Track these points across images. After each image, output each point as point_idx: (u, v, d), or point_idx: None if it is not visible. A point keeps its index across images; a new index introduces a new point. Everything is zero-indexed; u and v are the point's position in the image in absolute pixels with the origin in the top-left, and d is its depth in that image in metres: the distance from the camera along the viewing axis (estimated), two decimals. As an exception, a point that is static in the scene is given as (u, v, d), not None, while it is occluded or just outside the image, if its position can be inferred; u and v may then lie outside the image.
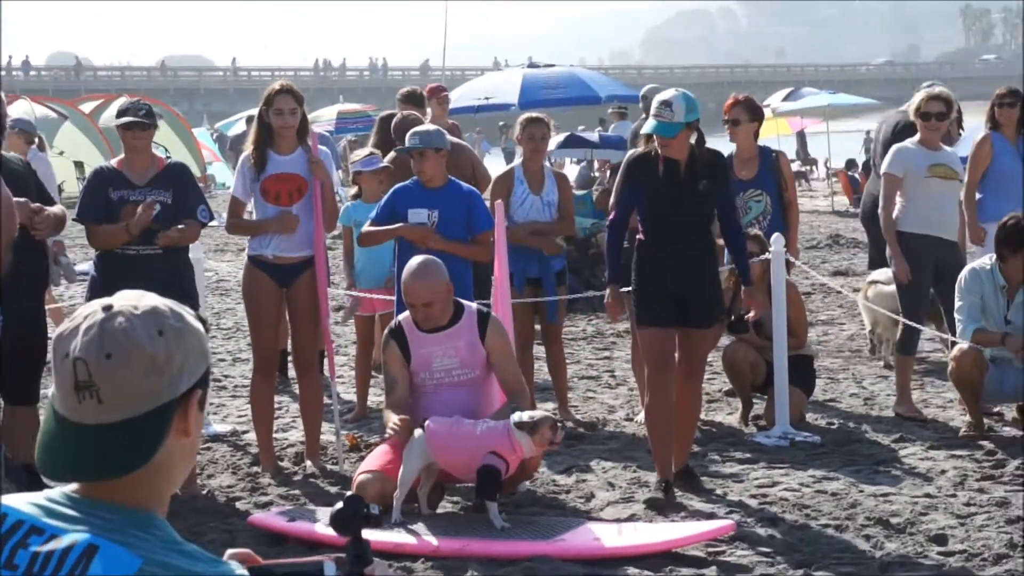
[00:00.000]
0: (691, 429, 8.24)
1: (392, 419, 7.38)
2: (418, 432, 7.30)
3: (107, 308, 2.23)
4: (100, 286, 7.90)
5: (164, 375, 2.20)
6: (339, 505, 2.93)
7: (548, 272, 9.82)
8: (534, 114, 10.13)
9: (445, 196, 8.67)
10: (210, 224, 8.35)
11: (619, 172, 9.91)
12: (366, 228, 8.94)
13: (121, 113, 8.02)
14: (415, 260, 7.75)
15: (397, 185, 8.96)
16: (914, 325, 9.86)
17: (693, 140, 7.87)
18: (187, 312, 2.29)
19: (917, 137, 10.09)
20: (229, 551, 2.53)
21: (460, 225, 8.60)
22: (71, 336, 2.21)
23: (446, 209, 8.61)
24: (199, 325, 2.29)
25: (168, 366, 2.20)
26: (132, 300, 2.26)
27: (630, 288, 8.04)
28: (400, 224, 8.65)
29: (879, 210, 10.21)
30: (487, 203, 9.22)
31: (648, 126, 7.85)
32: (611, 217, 8.20)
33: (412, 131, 8.94)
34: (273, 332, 8.62)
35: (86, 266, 20.00)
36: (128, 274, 7.82)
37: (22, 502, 2.22)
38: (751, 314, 8.34)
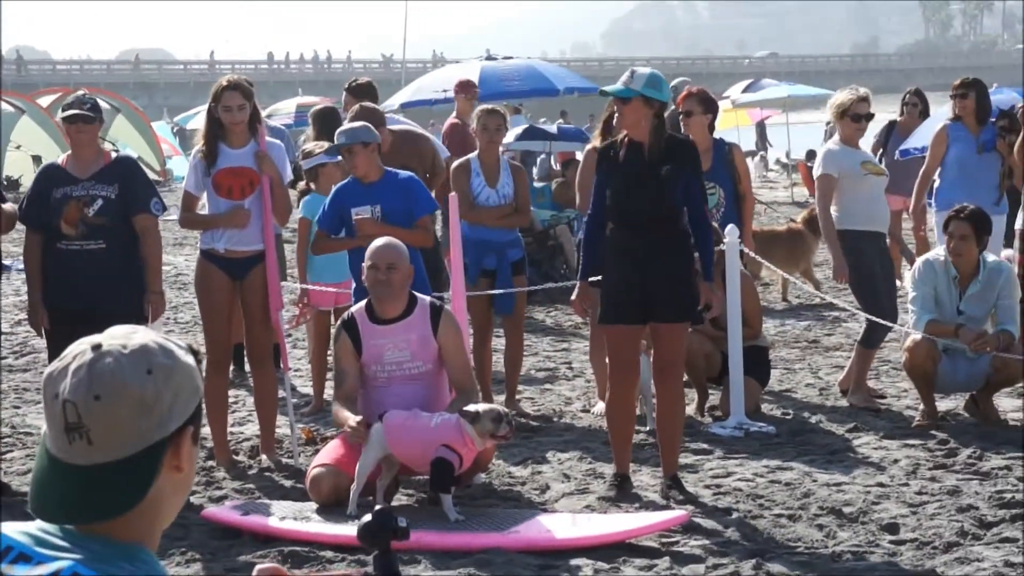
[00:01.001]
0: (676, 435, 7.83)
1: (349, 420, 7.37)
2: (376, 425, 7.30)
3: (96, 347, 2.21)
4: (47, 281, 7.87)
5: (153, 415, 2.19)
6: (367, 518, 2.90)
7: (504, 264, 9.82)
8: (489, 105, 10.13)
9: (384, 189, 8.67)
10: (167, 218, 8.32)
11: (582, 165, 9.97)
12: (317, 234, 8.95)
13: (66, 107, 7.98)
14: (381, 238, 7.84)
15: (337, 185, 8.97)
16: (879, 321, 9.88)
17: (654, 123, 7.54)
18: (178, 347, 2.26)
19: (837, 137, 10.11)
20: (258, 567, 2.52)
21: (403, 215, 8.59)
22: (60, 376, 2.20)
23: (387, 201, 8.62)
24: (190, 359, 2.27)
25: (157, 405, 2.19)
26: (121, 338, 2.23)
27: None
28: (352, 239, 8.62)
29: (817, 211, 10.16)
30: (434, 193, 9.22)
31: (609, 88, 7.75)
32: (588, 211, 8.03)
33: (339, 129, 8.97)
34: (226, 326, 8.60)
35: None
36: (75, 270, 7.79)
37: (15, 530, 2.21)
38: (710, 311, 8.13)
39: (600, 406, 9.88)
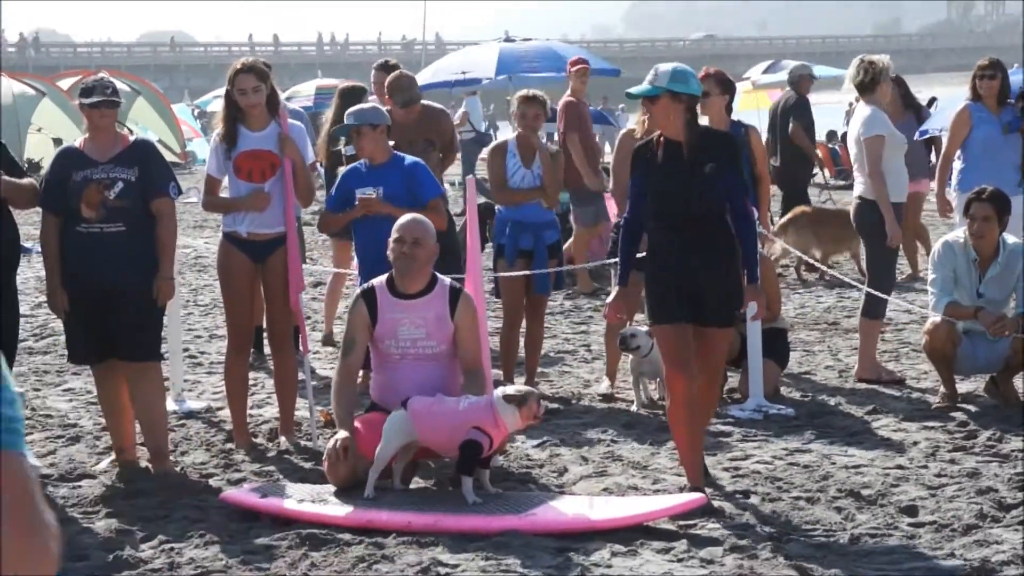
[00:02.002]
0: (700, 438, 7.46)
1: (339, 434, 7.36)
2: (400, 412, 7.30)
3: None
4: (66, 264, 7.88)
5: None
6: None
7: (541, 244, 9.87)
8: (530, 92, 10.09)
9: (387, 172, 8.71)
10: (186, 200, 8.32)
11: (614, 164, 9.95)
12: (323, 213, 9.04)
13: (87, 92, 7.96)
14: (408, 214, 7.88)
15: (347, 167, 9.00)
16: (879, 295, 9.91)
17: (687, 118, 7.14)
18: None
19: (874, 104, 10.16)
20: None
21: (402, 200, 8.57)
22: None
23: (389, 185, 8.66)
24: None
25: None
26: None
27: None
28: (348, 210, 8.70)
29: (869, 174, 10.10)
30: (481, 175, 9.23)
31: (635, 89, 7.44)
32: (625, 215, 7.66)
33: (349, 110, 8.99)
34: (248, 308, 8.62)
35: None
36: (92, 252, 7.80)
37: None
38: (754, 312, 7.93)
39: (604, 384, 9.88)
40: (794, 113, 16.53)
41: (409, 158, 8.97)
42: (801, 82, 16.86)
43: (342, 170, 9.87)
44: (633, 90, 7.30)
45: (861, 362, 10.14)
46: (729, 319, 7.32)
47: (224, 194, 8.64)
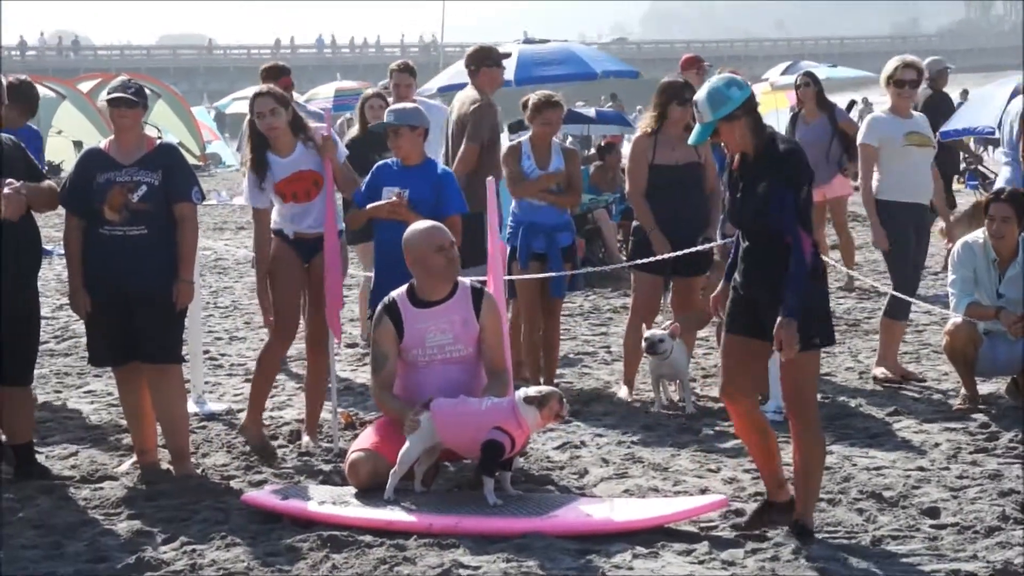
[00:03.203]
0: (814, 482, 6.74)
1: (409, 415, 7.39)
2: (424, 414, 7.31)
3: None
4: (87, 266, 7.90)
5: None
6: None
7: (554, 247, 9.86)
8: (553, 97, 10.05)
9: (417, 175, 8.66)
10: (206, 203, 8.32)
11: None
12: (352, 208, 9.01)
13: (110, 91, 7.99)
14: (421, 221, 7.85)
15: (379, 163, 8.99)
16: (903, 297, 9.89)
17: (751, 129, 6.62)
18: None
19: (888, 105, 10.22)
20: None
21: (427, 206, 8.50)
22: None
23: (415, 189, 8.57)
24: None
25: None
26: None
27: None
28: (372, 205, 8.64)
29: (859, 180, 10.27)
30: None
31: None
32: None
33: (389, 108, 8.98)
34: (296, 303, 8.57)
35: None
36: (115, 254, 7.81)
37: None
38: (784, 352, 6.61)
39: (623, 391, 9.85)
40: (942, 111, 15.92)
41: (441, 166, 8.99)
42: (940, 77, 16.36)
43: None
44: (692, 141, 6.87)
45: (879, 361, 10.14)
46: (818, 344, 6.62)
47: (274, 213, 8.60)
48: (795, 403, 6.74)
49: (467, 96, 10.73)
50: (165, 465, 8.13)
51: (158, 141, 8.11)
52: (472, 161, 10.32)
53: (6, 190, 7.55)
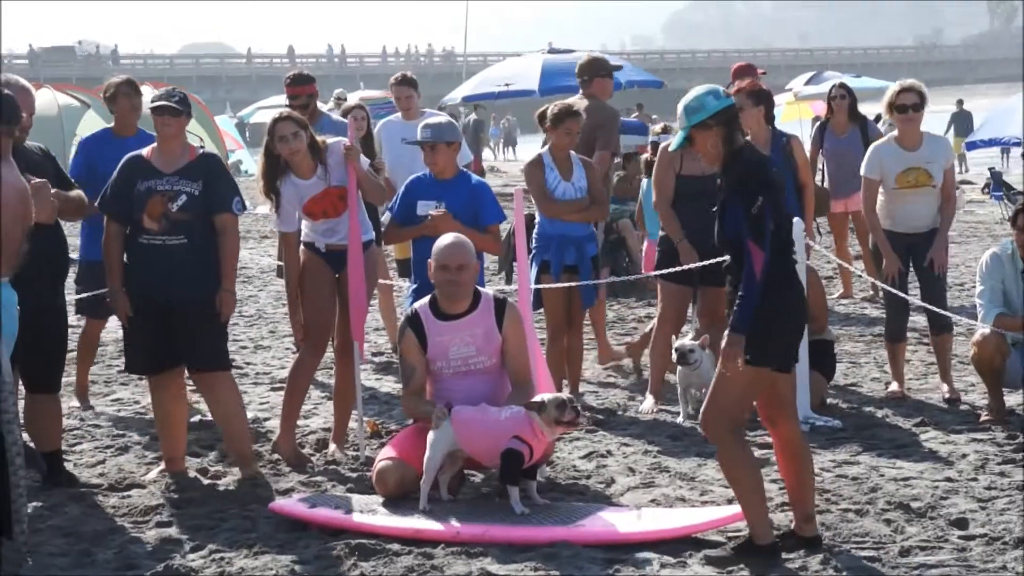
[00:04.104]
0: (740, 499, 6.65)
1: (436, 412, 7.41)
2: (446, 417, 7.34)
3: None
4: (129, 274, 7.92)
5: None
6: None
7: (584, 258, 9.87)
8: (573, 107, 10.04)
9: (453, 188, 8.71)
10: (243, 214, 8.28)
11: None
12: (389, 224, 9.01)
13: (155, 99, 8.02)
14: (448, 235, 7.86)
15: (411, 177, 9.01)
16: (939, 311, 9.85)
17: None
18: None
19: (895, 133, 10.02)
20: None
21: (466, 217, 8.59)
22: None
23: (452, 202, 8.64)
24: None
25: None
26: None
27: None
28: (421, 224, 8.67)
29: (864, 212, 10.14)
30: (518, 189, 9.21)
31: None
32: None
33: (424, 123, 8.99)
34: (330, 314, 8.58)
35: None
36: (154, 263, 7.84)
37: None
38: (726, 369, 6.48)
39: (648, 403, 9.82)
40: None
41: (475, 178, 9.03)
42: None
43: None
44: (672, 147, 6.93)
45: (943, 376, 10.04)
46: (754, 359, 6.36)
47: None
48: (708, 412, 6.54)
49: (589, 105, 11.00)
50: (192, 473, 8.16)
51: (200, 150, 8.13)
52: (608, 165, 11.05)
53: (35, 182, 7.55)
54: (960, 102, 40.52)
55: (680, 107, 6.63)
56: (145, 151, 8.10)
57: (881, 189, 9.85)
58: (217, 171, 8.03)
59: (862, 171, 9.97)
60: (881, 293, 13.33)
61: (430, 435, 7.37)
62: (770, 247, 6.33)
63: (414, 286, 8.77)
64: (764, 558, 6.41)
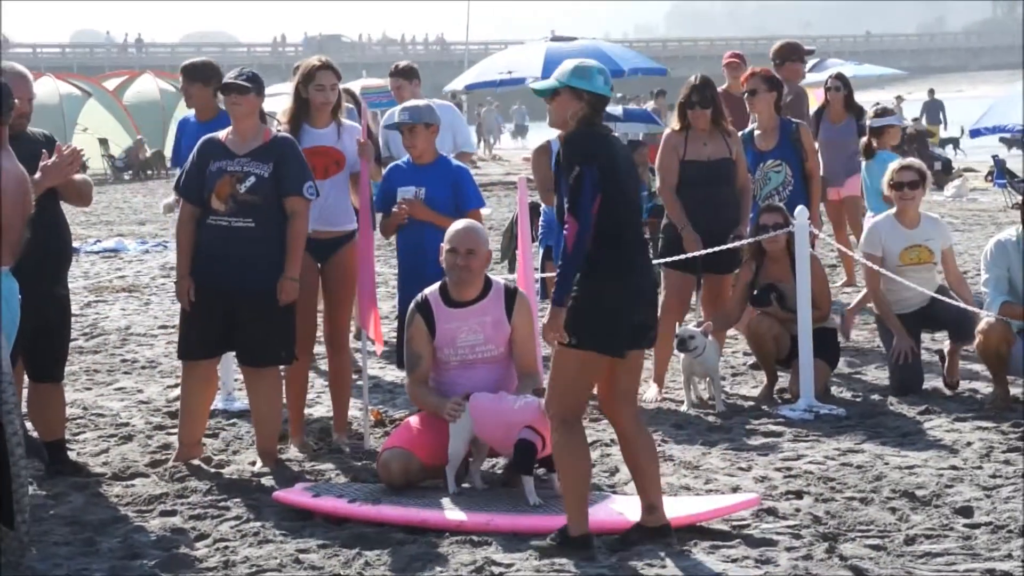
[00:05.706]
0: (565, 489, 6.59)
1: (447, 405, 7.40)
2: (464, 405, 7.33)
3: None
4: (197, 255, 7.90)
5: None
6: None
7: None
8: None
9: (432, 173, 8.59)
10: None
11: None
12: (382, 218, 8.97)
13: (225, 79, 8.01)
14: (461, 220, 7.81)
15: (390, 165, 8.98)
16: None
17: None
18: None
19: (895, 210, 9.99)
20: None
21: (446, 203, 8.48)
22: None
23: (432, 186, 8.53)
24: None
25: None
26: None
27: None
28: (393, 214, 8.57)
29: (869, 291, 10.09)
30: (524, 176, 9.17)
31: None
32: None
33: (402, 106, 8.95)
34: (313, 307, 8.56)
35: (112, 242, 20.16)
36: (219, 245, 7.80)
37: None
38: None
39: (652, 391, 9.78)
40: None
41: (455, 162, 8.94)
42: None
43: None
44: (535, 89, 6.72)
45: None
46: (575, 344, 6.32)
47: None
48: (547, 395, 6.58)
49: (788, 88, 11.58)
50: (196, 461, 8.14)
51: (276, 132, 8.08)
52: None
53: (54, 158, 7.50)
54: (931, 91, 41.29)
55: (571, 64, 6.45)
56: (221, 133, 8.04)
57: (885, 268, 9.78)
58: (290, 154, 7.94)
59: (861, 246, 9.90)
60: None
61: (451, 424, 7.37)
62: (590, 221, 6.19)
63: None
64: (575, 549, 6.37)
